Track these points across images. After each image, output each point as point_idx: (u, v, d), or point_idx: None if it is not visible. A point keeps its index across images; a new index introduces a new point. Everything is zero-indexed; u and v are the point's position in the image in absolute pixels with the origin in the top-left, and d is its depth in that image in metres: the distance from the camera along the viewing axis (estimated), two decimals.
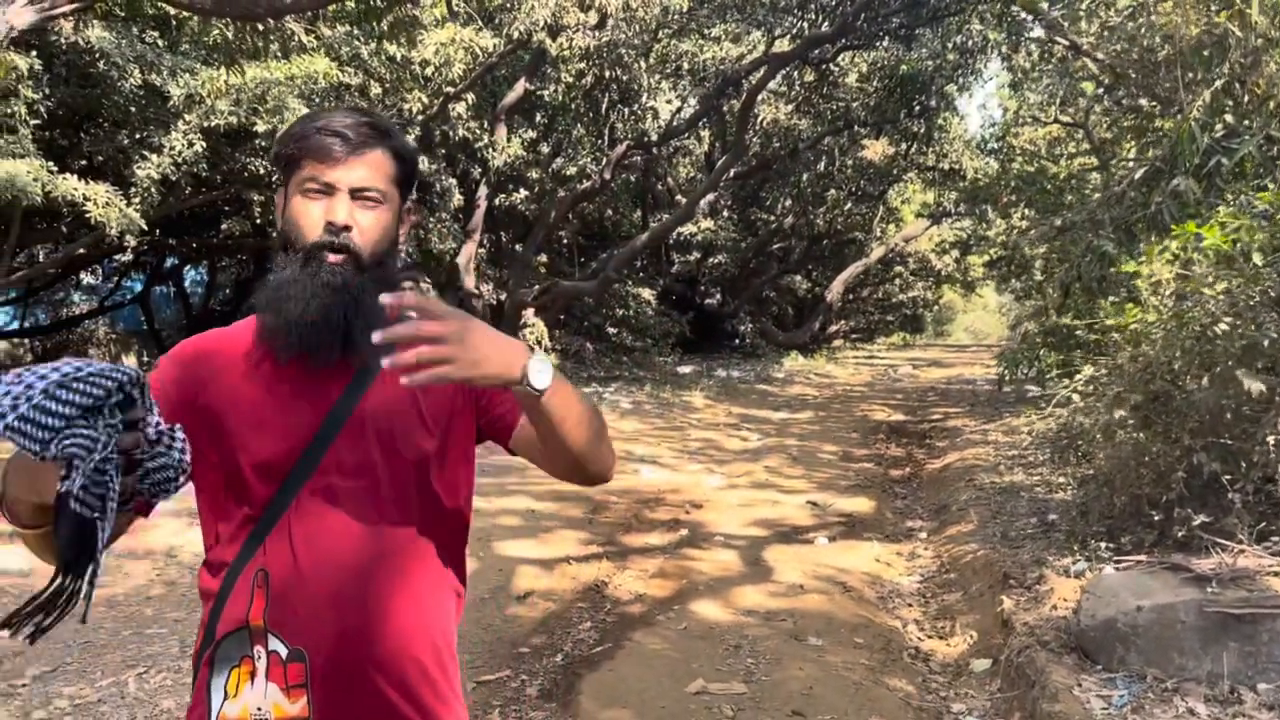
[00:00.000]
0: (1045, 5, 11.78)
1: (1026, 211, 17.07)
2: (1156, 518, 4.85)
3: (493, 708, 3.90)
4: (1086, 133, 16.02)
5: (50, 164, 10.43)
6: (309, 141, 1.42)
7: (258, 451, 1.41)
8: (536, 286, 17.88)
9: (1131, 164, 8.17)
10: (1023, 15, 13.91)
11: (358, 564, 1.42)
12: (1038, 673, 3.84)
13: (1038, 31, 14.81)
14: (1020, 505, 6.78)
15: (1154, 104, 8.61)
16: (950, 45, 17.10)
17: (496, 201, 18.02)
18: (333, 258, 1.39)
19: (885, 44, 17.72)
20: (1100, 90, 14.05)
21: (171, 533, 6.27)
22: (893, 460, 10.45)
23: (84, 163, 12.61)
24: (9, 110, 9.41)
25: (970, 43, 16.86)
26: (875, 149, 22.66)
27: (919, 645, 4.78)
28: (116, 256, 16.25)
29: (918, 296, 37.31)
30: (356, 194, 1.42)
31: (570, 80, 16.33)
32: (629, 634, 4.67)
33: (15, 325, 20.86)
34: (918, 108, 18.78)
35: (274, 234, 1.42)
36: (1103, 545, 5.04)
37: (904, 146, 22.62)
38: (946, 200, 26.11)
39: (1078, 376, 6.04)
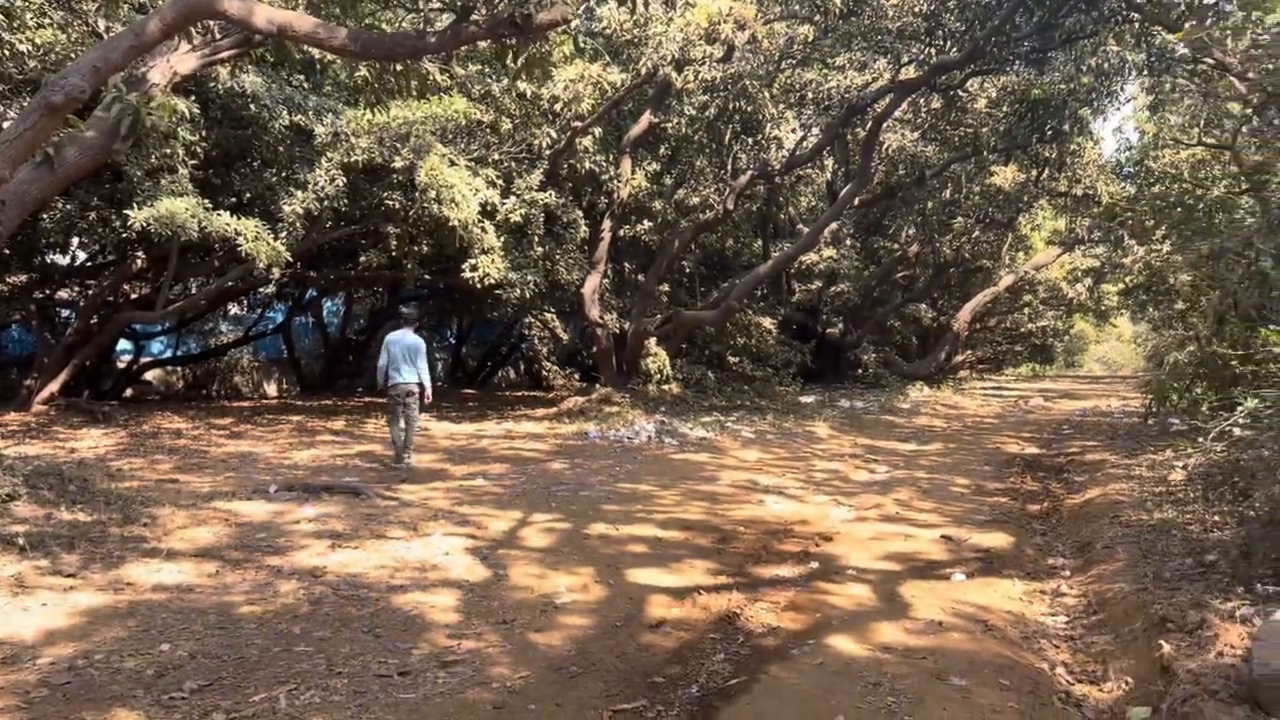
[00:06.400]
0: (1189, 25, 11.34)
1: (1169, 237, 16.37)
2: None
3: None
4: (1234, 155, 15.31)
5: (205, 201, 11.06)
6: None
7: None
8: (659, 316, 18.01)
9: None
10: (1165, 35, 13.40)
11: None
12: None
13: (1181, 51, 14.25)
14: (1173, 544, 6.44)
15: None
16: (1085, 68, 16.59)
17: (620, 233, 18.26)
18: None
19: (1016, 68, 17.33)
20: (1249, 111, 13.42)
21: (316, 553, 6.51)
22: (1029, 495, 10.08)
23: (234, 200, 13.32)
24: (169, 151, 9.99)
25: (1107, 65, 16.32)
26: (1005, 175, 22.14)
27: (1070, 689, 4.57)
28: (261, 289, 17.04)
29: (1048, 326, 36.25)
30: None
31: (694, 112, 16.49)
32: (764, 667, 4.61)
33: (169, 354, 22.12)
34: (1050, 132, 18.26)
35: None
36: (1270, 588, 4.74)
37: (1035, 172, 22.04)
38: (1079, 227, 25.30)
39: (1239, 410, 5.72)
